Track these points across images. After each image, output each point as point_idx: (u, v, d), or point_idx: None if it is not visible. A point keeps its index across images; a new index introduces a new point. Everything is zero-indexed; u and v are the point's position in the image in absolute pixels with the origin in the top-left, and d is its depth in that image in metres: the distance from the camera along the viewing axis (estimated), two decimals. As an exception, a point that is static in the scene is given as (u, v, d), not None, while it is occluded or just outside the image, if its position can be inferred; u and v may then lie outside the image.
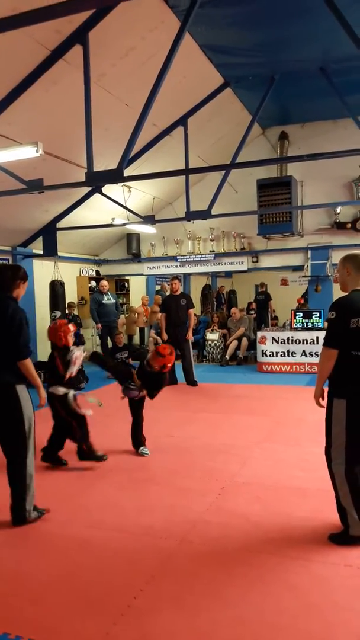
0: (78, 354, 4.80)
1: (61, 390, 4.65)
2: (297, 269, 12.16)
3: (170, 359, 4.83)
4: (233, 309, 11.90)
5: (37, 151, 5.20)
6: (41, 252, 10.11)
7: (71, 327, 4.90)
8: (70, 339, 4.83)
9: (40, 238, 10.06)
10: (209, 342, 11.46)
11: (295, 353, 9.73)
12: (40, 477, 3.97)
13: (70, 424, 4.71)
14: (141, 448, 5.17)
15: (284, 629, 2.47)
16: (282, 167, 10.81)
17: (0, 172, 6.23)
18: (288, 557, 3.11)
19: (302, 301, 13.21)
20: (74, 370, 4.74)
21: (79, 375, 4.94)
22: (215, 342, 11.39)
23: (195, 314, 9.59)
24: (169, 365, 4.88)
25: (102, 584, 2.88)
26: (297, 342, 9.73)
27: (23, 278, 3.78)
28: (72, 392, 4.72)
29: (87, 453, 4.74)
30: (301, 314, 9.98)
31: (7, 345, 3.54)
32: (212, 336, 11.47)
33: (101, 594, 2.79)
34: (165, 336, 8.78)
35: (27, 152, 5.32)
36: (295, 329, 9.85)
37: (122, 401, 5.20)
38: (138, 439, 5.21)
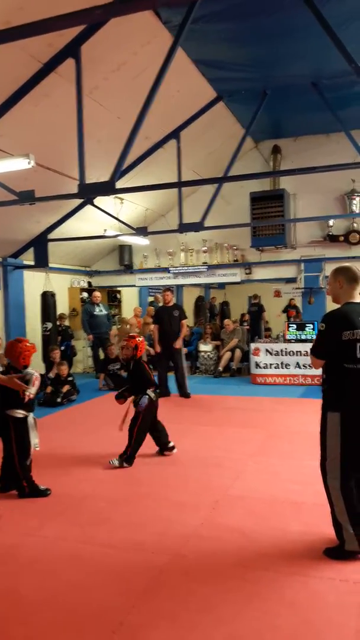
0: (37, 375, 4.49)
1: (20, 413, 4.35)
2: (290, 280, 12.21)
3: (141, 340, 5.37)
4: (226, 321, 11.90)
5: (29, 163, 5.20)
6: (32, 263, 10.08)
7: (32, 347, 4.57)
8: (30, 359, 4.53)
9: (32, 249, 10.04)
10: (202, 353, 11.43)
11: (289, 365, 9.72)
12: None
13: (12, 455, 4.34)
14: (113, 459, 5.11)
15: (280, 647, 2.42)
16: (275, 180, 10.89)
17: (-8, 183, 6.23)
18: (283, 572, 3.07)
19: (294, 313, 13.24)
20: (33, 391, 4.39)
21: (35, 400, 4.55)
22: (209, 353, 11.36)
23: (188, 325, 9.57)
24: (141, 345, 5.33)
25: (94, 601, 2.82)
26: (291, 353, 9.72)
27: None
28: (31, 416, 4.44)
29: (28, 491, 4.33)
30: (295, 326, 10.00)
31: None
32: (205, 348, 11.44)
33: (93, 611, 2.73)
34: (158, 348, 8.75)
35: (18, 164, 5.31)
36: (289, 341, 9.85)
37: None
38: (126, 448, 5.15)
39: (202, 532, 3.63)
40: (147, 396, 5.17)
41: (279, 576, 3.02)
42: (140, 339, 5.42)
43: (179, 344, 8.73)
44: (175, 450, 5.41)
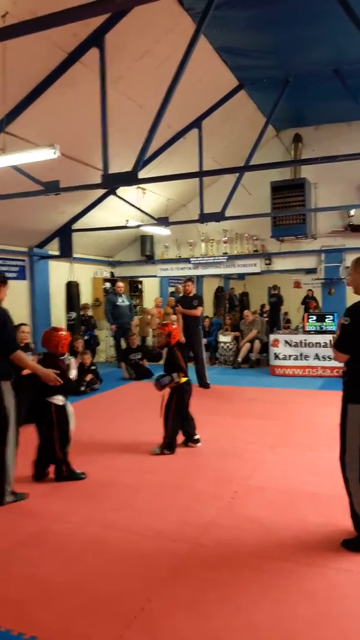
0: (74, 359, 4.74)
1: (61, 399, 4.52)
2: (311, 271, 12.11)
3: (174, 327, 5.41)
4: (246, 312, 11.87)
5: (54, 153, 5.23)
6: (57, 253, 10.19)
7: (68, 335, 4.80)
8: (67, 347, 4.73)
9: (56, 239, 10.15)
10: (222, 344, 11.44)
11: (308, 356, 9.68)
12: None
13: (53, 442, 4.47)
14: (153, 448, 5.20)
15: (299, 636, 2.46)
16: (296, 169, 10.78)
17: (17, 173, 6.29)
18: (301, 563, 3.09)
19: (314, 304, 13.14)
20: (74, 374, 4.66)
21: (69, 386, 4.70)
22: (228, 344, 11.37)
23: (207, 317, 9.52)
24: (174, 332, 5.35)
25: (115, 587, 2.89)
26: (310, 345, 9.67)
27: (3, 282, 4.03)
28: (69, 404, 4.61)
29: (66, 474, 4.52)
30: (314, 317, 9.93)
31: None
32: (225, 338, 11.45)
33: (115, 596, 2.79)
34: (182, 338, 8.69)
35: (44, 154, 5.34)
36: (308, 332, 9.80)
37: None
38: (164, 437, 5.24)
39: (221, 521, 3.67)
40: (169, 376, 5.21)
41: (297, 567, 3.05)
42: (175, 326, 5.48)
43: (183, 310, 8.65)
44: (199, 444, 5.41)
